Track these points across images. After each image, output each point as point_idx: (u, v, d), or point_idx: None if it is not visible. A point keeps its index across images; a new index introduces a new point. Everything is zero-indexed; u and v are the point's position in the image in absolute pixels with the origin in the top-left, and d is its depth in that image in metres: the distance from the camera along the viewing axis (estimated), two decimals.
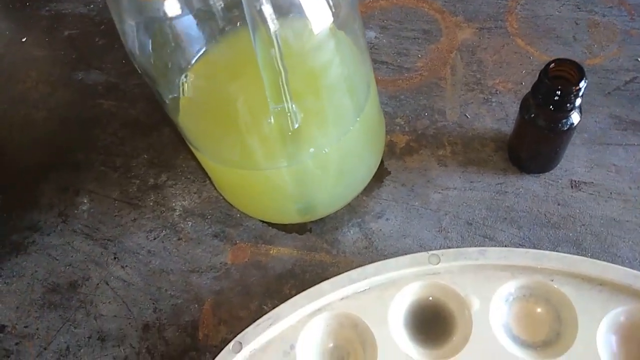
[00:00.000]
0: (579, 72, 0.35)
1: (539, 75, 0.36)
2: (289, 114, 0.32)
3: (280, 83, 0.30)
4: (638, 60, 0.48)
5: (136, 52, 0.31)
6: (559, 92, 0.35)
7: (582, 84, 0.35)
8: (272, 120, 0.33)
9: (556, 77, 0.36)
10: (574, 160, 0.43)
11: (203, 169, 0.48)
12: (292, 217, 0.43)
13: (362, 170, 0.42)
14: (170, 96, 0.34)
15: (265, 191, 0.40)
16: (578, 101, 0.36)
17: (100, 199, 0.48)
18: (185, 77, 0.33)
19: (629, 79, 0.47)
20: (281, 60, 0.29)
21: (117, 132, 0.52)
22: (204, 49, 0.33)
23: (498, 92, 0.48)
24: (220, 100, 0.33)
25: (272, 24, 0.28)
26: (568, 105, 0.36)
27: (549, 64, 0.36)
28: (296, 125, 0.33)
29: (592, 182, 0.42)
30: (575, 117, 0.37)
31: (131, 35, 0.31)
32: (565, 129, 0.37)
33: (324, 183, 0.40)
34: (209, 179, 0.47)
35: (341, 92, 0.36)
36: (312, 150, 0.36)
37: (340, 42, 0.33)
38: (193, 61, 0.33)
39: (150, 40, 0.31)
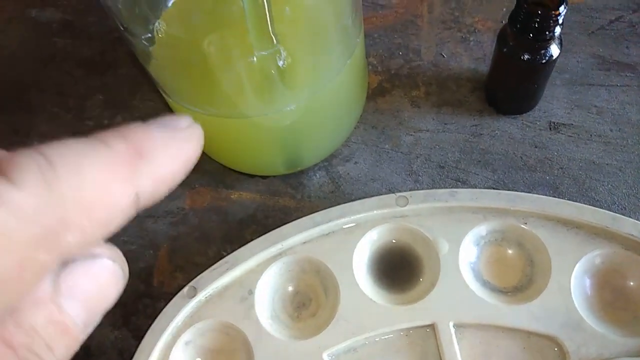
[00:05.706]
0: None
1: (517, 1, 0.33)
2: (276, 55, 0.29)
3: (265, 11, 0.27)
4: None
5: None
6: (537, 18, 0.33)
7: (562, 9, 0.32)
8: (256, 61, 0.30)
9: (535, 3, 0.33)
10: (554, 101, 0.41)
11: (161, 111, 0.45)
12: (277, 169, 0.40)
13: (351, 115, 0.39)
14: (143, 43, 0.30)
15: (252, 141, 0.37)
16: (558, 29, 0.33)
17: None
18: (159, 22, 0.29)
19: (614, 17, 0.44)
20: None
21: (72, 72, 0.49)
22: None
23: (477, 30, 0.45)
24: (199, 45, 0.29)
25: None
26: (547, 33, 0.33)
27: None
28: (281, 63, 0.30)
29: (572, 124, 0.40)
30: (554, 50, 0.35)
31: None
32: (544, 61, 0.35)
33: (316, 130, 0.37)
34: None
35: (333, 31, 0.32)
36: (302, 93, 0.33)
37: None
38: (169, 4, 0.30)
39: None
